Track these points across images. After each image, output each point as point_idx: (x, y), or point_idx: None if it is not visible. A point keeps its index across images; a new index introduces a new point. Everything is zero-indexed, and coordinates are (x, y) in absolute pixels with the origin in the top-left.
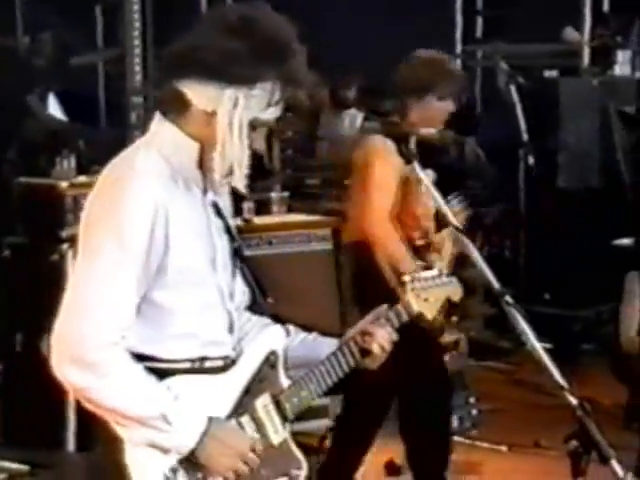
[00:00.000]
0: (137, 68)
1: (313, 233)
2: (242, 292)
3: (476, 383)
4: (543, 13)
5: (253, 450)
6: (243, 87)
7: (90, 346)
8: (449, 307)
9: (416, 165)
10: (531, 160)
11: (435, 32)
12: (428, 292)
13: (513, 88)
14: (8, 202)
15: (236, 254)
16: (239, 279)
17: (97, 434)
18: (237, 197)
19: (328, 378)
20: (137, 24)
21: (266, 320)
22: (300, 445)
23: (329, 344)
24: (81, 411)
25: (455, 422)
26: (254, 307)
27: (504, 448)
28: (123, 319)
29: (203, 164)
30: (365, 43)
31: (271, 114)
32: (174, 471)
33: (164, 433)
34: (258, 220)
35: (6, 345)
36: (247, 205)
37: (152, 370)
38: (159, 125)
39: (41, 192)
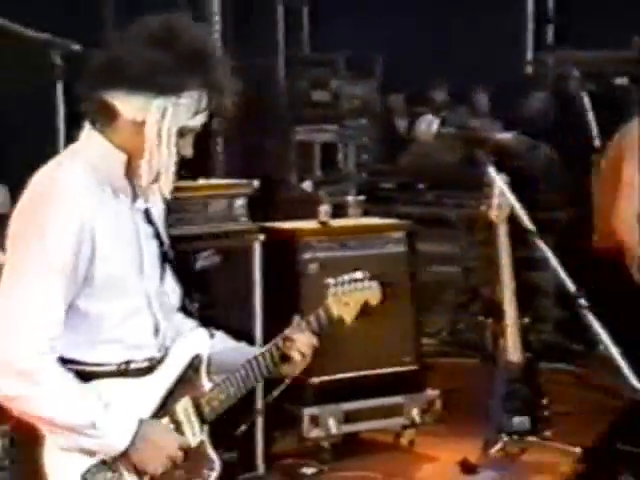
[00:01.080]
0: None
1: (388, 236)
2: (173, 292)
3: (548, 385)
4: (613, 20)
5: (182, 449)
6: (171, 96)
7: (20, 356)
8: None
9: (491, 169)
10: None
11: (506, 39)
12: (349, 296)
13: (584, 94)
14: None
15: (165, 258)
16: (170, 281)
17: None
18: (313, 201)
19: (248, 382)
20: (217, 35)
21: (192, 323)
22: (376, 442)
23: (252, 352)
24: None
25: (529, 423)
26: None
27: (578, 449)
28: (51, 330)
29: (130, 172)
30: (444, 50)
31: (198, 121)
32: (90, 472)
33: (94, 439)
34: (334, 223)
35: None
36: (323, 208)
37: (78, 373)
38: (87, 135)
39: None
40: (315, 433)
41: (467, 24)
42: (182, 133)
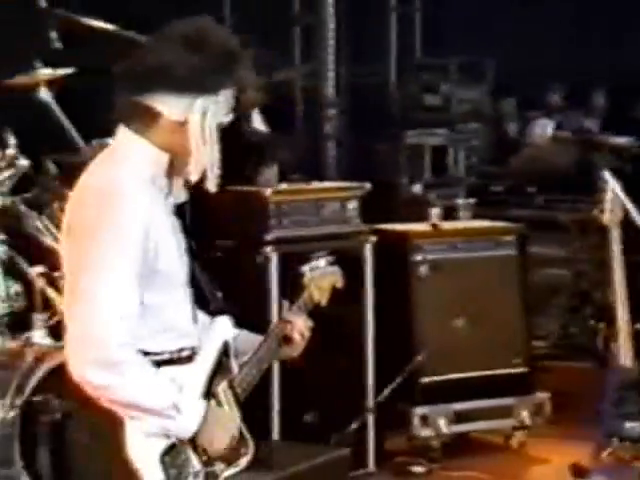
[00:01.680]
0: (331, 82)
1: (499, 239)
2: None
3: None
4: None
5: (238, 430)
6: (211, 96)
7: (113, 347)
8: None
9: (606, 172)
10: None
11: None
12: (321, 280)
13: None
14: (220, 208)
15: (191, 251)
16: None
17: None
18: (424, 203)
19: (264, 363)
20: (332, 42)
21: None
22: (486, 443)
23: (256, 337)
24: (285, 400)
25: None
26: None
27: None
28: (130, 321)
29: (171, 171)
30: (557, 52)
31: (229, 117)
32: (168, 452)
33: (174, 420)
34: (445, 225)
35: None
36: (434, 211)
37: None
38: (126, 138)
39: (248, 199)
40: (425, 432)
41: (579, 25)
42: (217, 130)
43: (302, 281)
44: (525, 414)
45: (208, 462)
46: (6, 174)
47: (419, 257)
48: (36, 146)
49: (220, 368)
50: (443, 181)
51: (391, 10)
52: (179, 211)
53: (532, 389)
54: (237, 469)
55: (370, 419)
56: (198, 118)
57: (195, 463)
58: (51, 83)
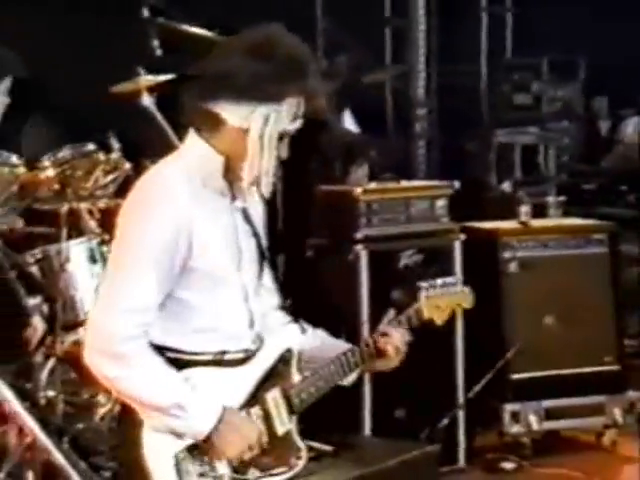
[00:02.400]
0: (421, 82)
1: (589, 237)
2: (270, 290)
3: None
4: None
5: (259, 439)
6: (273, 104)
7: (117, 340)
8: None
9: None
10: None
11: None
12: (440, 299)
13: None
14: (311, 207)
15: (263, 256)
16: (267, 280)
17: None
18: (514, 201)
19: (337, 376)
20: (422, 42)
21: (286, 319)
22: (577, 441)
23: (344, 347)
24: (376, 396)
25: None
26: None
27: None
28: (146, 317)
29: (230, 174)
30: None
31: (295, 125)
32: (183, 453)
33: (181, 420)
34: (535, 223)
35: None
36: (524, 209)
37: (175, 360)
38: (191, 140)
39: (338, 198)
40: (516, 429)
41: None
42: (281, 137)
43: (416, 295)
44: (617, 412)
45: (240, 468)
46: (110, 177)
47: (509, 254)
48: (138, 150)
49: (274, 375)
50: (533, 179)
51: (482, 10)
52: (270, 213)
53: (624, 387)
54: (284, 477)
55: (460, 415)
56: (259, 126)
57: (221, 467)
58: (152, 89)
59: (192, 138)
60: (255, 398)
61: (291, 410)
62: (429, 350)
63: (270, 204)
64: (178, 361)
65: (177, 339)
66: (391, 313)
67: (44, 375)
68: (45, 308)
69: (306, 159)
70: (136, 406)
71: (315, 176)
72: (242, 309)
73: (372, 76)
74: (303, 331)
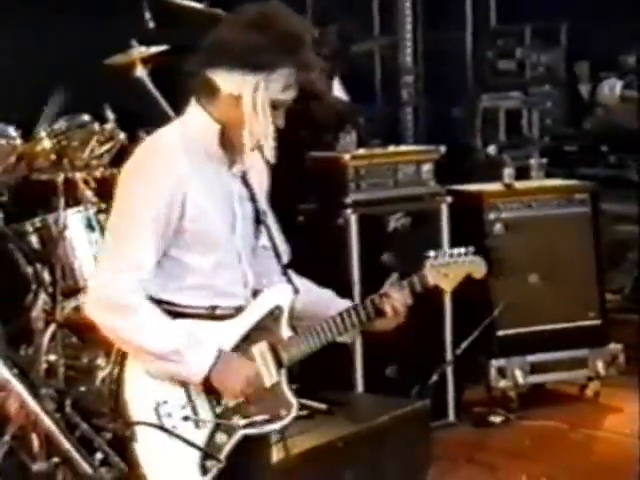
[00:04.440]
0: (408, 50)
1: (571, 197)
2: (268, 250)
3: None
4: None
5: (258, 377)
6: (263, 73)
7: (120, 294)
8: None
9: None
10: None
11: None
12: (448, 268)
13: None
14: (302, 174)
15: (258, 219)
16: (265, 240)
17: None
18: (499, 164)
19: (330, 334)
20: (409, 11)
21: (282, 278)
22: (561, 393)
23: (341, 304)
24: (367, 355)
25: None
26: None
27: None
28: (144, 273)
29: (227, 141)
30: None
31: (288, 95)
32: (163, 400)
33: (179, 365)
34: (518, 185)
35: None
36: (507, 171)
37: (169, 312)
38: (192, 109)
39: (328, 164)
40: (502, 383)
41: None
42: (275, 106)
43: (423, 263)
44: (600, 365)
45: (224, 414)
46: (106, 147)
47: (493, 216)
48: (133, 120)
49: (261, 329)
50: (517, 143)
51: None
52: (276, 177)
53: (606, 341)
54: (271, 427)
55: (449, 372)
56: (249, 93)
57: (203, 412)
58: (146, 61)
59: (193, 106)
60: (239, 349)
61: (279, 363)
62: (418, 309)
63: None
64: (172, 313)
65: (171, 294)
66: (394, 276)
67: (45, 340)
68: (45, 276)
69: (295, 126)
70: (137, 354)
71: (304, 143)
72: (235, 270)
73: (362, 47)
74: (296, 291)
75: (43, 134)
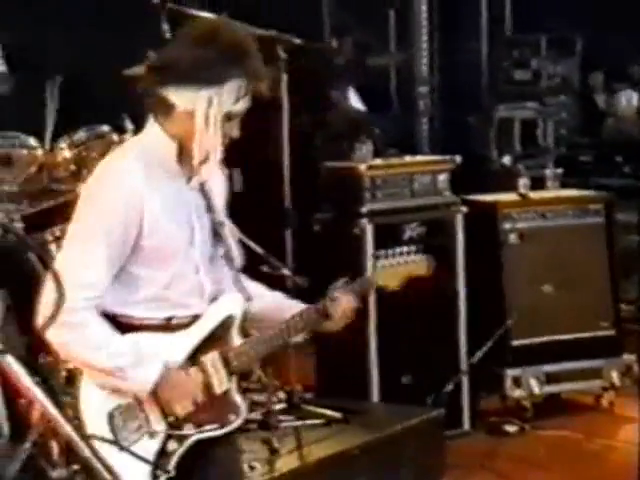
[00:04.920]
0: (424, 60)
1: (586, 207)
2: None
3: None
4: None
5: (201, 394)
6: (214, 87)
7: (66, 311)
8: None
9: None
10: None
11: None
12: (393, 268)
13: None
14: (317, 183)
15: (215, 229)
16: (232, 246)
17: None
18: (514, 174)
19: (277, 340)
20: (424, 22)
21: (241, 285)
22: (576, 403)
23: (291, 306)
24: (383, 364)
25: None
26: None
27: None
28: (95, 291)
29: (184, 157)
30: None
31: (241, 106)
32: (118, 410)
33: (123, 381)
34: (533, 195)
35: None
36: (522, 181)
37: (124, 325)
38: (149, 126)
39: (344, 174)
40: (517, 393)
41: None
42: (229, 117)
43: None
44: (614, 375)
45: (175, 424)
46: None
47: (508, 226)
48: None
49: (213, 339)
50: (532, 152)
51: None
52: (277, 189)
53: (620, 351)
54: (219, 432)
55: (464, 381)
56: (204, 107)
57: (155, 423)
58: None
59: (150, 124)
60: (193, 360)
61: (230, 371)
62: (433, 319)
63: (277, 180)
64: (127, 325)
65: (127, 307)
66: (340, 281)
67: None
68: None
69: (312, 136)
70: (84, 369)
71: (321, 152)
72: (192, 281)
73: (377, 60)
74: (248, 299)
75: (63, 145)
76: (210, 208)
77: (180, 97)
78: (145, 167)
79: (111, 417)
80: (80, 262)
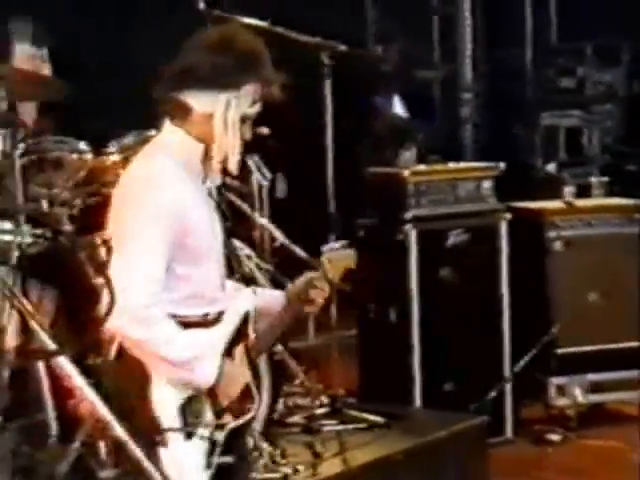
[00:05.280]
0: (468, 67)
1: (631, 216)
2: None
3: None
4: None
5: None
6: (232, 91)
7: (141, 307)
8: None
9: None
10: None
11: None
12: (339, 261)
13: None
14: (361, 189)
15: (225, 229)
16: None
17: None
18: (559, 182)
19: (279, 329)
20: (468, 29)
21: (238, 283)
22: (621, 413)
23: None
24: (426, 370)
25: None
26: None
27: None
28: (158, 286)
29: (205, 159)
30: None
31: (255, 109)
32: (187, 403)
33: (193, 372)
34: (579, 203)
35: (362, 313)
36: (568, 189)
37: None
38: (169, 130)
39: (388, 179)
40: (561, 402)
41: None
42: (243, 120)
43: (320, 259)
44: None
45: (218, 414)
46: None
47: (553, 233)
48: None
49: (239, 334)
50: (577, 161)
51: None
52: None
53: None
54: (240, 422)
55: (507, 388)
56: (222, 110)
57: (208, 414)
58: None
59: (169, 127)
60: (228, 353)
61: (250, 363)
62: (477, 326)
63: (321, 186)
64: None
65: (170, 306)
66: (308, 274)
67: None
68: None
69: (357, 142)
70: (157, 364)
71: (365, 159)
72: (217, 275)
73: (422, 73)
74: (254, 292)
75: (112, 149)
76: (219, 207)
77: (199, 101)
78: (177, 169)
79: (182, 409)
80: (143, 259)
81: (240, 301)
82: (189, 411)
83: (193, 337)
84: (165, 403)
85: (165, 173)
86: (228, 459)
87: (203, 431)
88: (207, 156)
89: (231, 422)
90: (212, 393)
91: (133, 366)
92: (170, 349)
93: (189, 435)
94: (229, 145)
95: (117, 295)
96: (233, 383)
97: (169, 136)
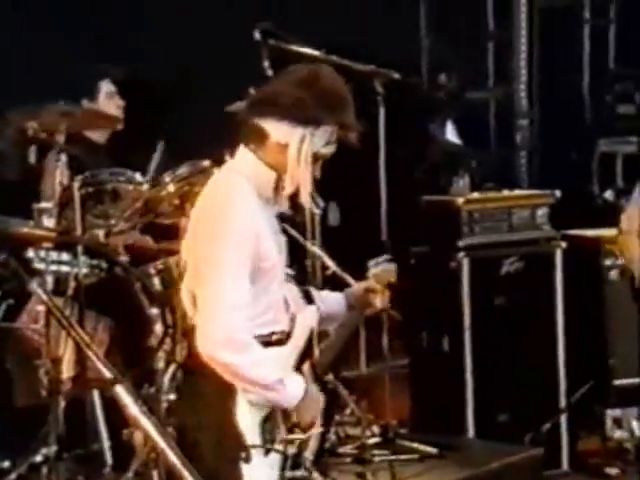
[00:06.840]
0: (523, 94)
1: None
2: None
3: None
4: None
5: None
6: (310, 127)
7: (236, 331)
8: None
9: None
10: None
11: None
12: (382, 275)
13: None
14: (414, 217)
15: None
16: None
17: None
18: (616, 210)
19: (337, 347)
20: (524, 55)
21: (303, 301)
22: None
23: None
24: (479, 400)
25: None
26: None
27: None
28: (247, 310)
29: (277, 186)
30: None
31: (328, 150)
32: (266, 419)
33: (280, 393)
34: None
35: (414, 342)
36: None
37: None
38: (242, 154)
39: (441, 207)
40: (619, 434)
41: None
42: (315, 158)
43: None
44: None
45: (290, 430)
46: None
47: (610, 262)
48: None
49: (305, 352)
50: (635, 188)
51: (585, 22)
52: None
53: None
54: (304, 436)
55: (563, 420)
56: (297, 142)
57: (282, 430)
58: None
59: (244, 153)
60: (299, 371)
61: (316, 378)
62: (532, 356)
63: (374, 213)
64: None
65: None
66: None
67: (166, 380)
68: (169, 317)
69: (409, 169)
70: (243, 385)
71: (419, 186)
72: (281, 297)
73: (475, 94)
74: (318, 309)
75: (167, 179)
76: (285, 231)
77: (276, 130)
78: (252, 193)
79: (262, 427)
80: (232, 285)
81: (305, 320)
82: (267, 428)
83: (277, 358)
84: (247, 421)
85: (243, 198)
86: (300, 473)
87: (279, 447)
88: (279, 185)
89: (301, 436)
90: (284, 409)
91: (216, 387)
92: (260, 372)
93: (267, 451)
94: (301, 178)
95: (207, 323)
96: (315, 402)
97: (243, 159)
